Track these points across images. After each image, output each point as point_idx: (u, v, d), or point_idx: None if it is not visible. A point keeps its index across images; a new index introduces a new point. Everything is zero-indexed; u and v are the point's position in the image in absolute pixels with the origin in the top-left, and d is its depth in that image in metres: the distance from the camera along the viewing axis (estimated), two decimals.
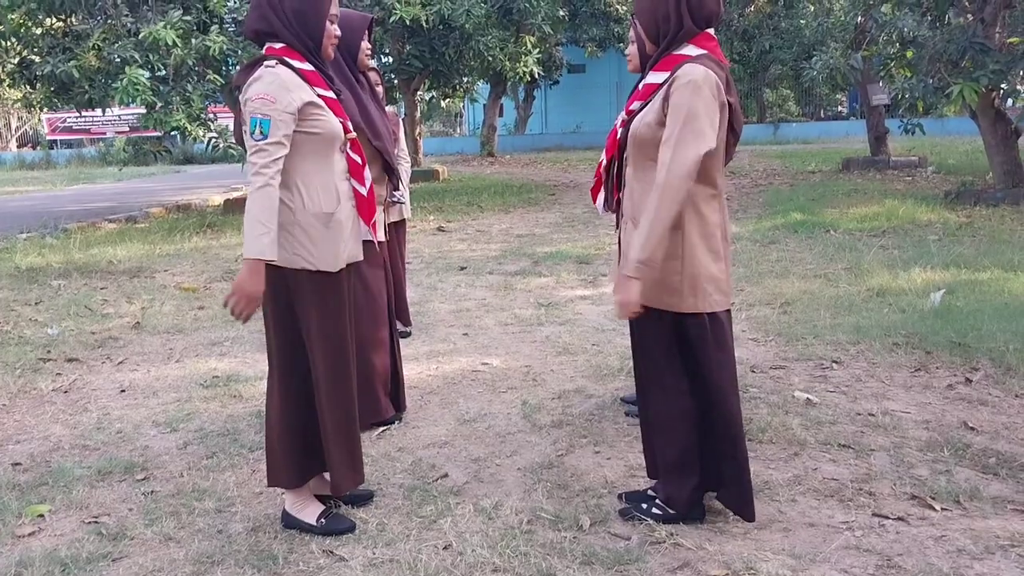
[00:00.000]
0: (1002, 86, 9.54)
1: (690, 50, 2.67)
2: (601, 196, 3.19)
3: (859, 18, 13.71)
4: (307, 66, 2.81)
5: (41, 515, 3.17)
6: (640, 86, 2.80)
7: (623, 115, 2.86)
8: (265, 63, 2.76)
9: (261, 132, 2.68)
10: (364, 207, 3.00)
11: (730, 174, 15.58)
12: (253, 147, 2.69)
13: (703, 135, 2.57)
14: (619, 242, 2.92)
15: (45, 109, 11.72)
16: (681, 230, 2.68)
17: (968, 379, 4.23)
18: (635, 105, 2.79)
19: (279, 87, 2.71)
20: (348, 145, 2.94)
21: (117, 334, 5.91)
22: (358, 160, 2.96)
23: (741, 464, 2.79)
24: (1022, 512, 2.90)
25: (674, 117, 2.58)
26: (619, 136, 2.87)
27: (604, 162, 3.07)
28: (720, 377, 2.76)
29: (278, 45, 2.80)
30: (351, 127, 2.97)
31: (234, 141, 9.81)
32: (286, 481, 2.97)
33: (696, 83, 2.57)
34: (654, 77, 2.72)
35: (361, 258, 3.06)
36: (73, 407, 4.43)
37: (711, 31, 2.72)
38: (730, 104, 2.69)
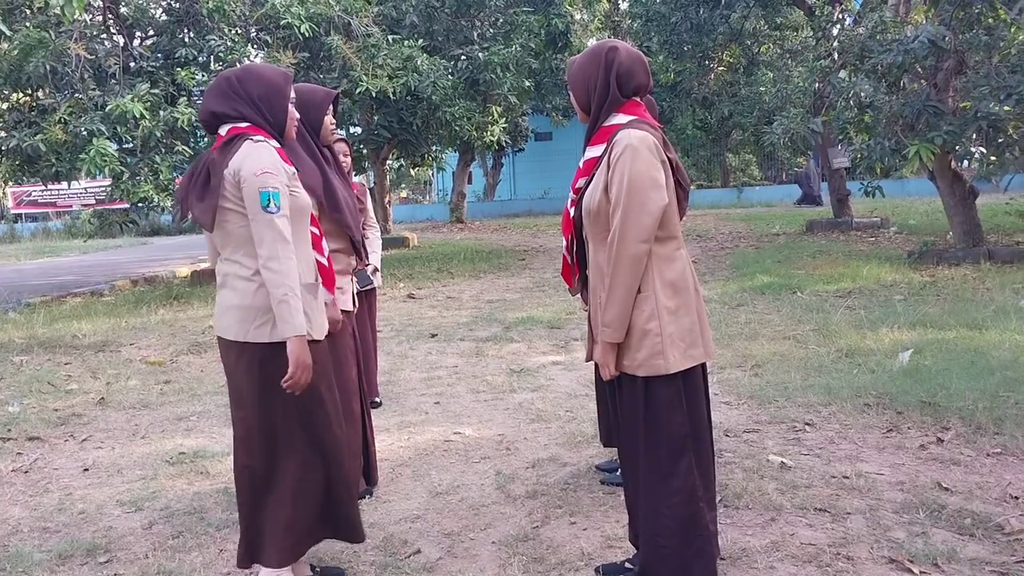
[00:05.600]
0: (956, 148, 9.79)
1: (620, 118, 2.74)
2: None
3: (817, 84, 14.09)
4: (274, 143, 2.83)
5: None
6: (581, 164, 2.85)
7: (571, 195, 2.89)
8: (251, 138, 2.75)
9: (275, 204, 2.67)
10: (327, 277, 3.06)
11: (697, 237, 15.78)
12: (267, 221, 2.66)
13: (648, 197, 2.60)
14: (589, 320, 2.90)
15: (10, 182, 11.63)
16: (651, 292, 2.66)
17: (939, 439, 4.24)
18: (580, 183, 2.84)
19: (276, 159, 2.74)
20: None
21: (81, 411, 5.78)
22: (316, 232, 3.02)
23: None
24: (1000, 573, 2.89)
25: (618, 185, 2.62)
26: (572, 216, 2.90)
27: (566, 244, 3.08)
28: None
29: (243, 124, 2.80)
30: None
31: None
32: (283, 559, 2.84)
33: (633, 146, 2.62)
34: (592, 151, 2.79)
35: (329, 328, 3.06)
36: (34, 488, 4.31)
37: (637, 98, 2.78)
38: (671, 160, 2.73)
